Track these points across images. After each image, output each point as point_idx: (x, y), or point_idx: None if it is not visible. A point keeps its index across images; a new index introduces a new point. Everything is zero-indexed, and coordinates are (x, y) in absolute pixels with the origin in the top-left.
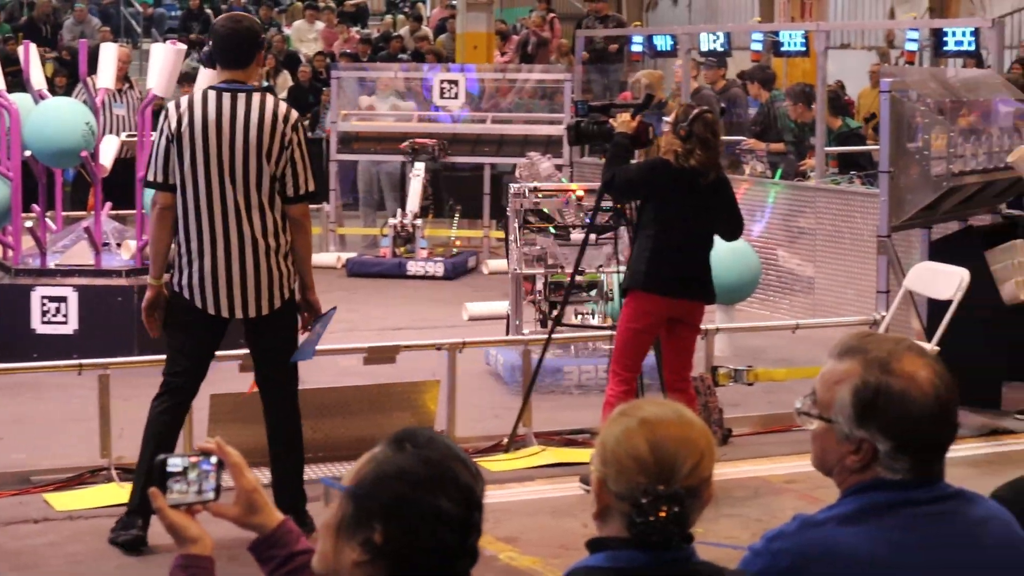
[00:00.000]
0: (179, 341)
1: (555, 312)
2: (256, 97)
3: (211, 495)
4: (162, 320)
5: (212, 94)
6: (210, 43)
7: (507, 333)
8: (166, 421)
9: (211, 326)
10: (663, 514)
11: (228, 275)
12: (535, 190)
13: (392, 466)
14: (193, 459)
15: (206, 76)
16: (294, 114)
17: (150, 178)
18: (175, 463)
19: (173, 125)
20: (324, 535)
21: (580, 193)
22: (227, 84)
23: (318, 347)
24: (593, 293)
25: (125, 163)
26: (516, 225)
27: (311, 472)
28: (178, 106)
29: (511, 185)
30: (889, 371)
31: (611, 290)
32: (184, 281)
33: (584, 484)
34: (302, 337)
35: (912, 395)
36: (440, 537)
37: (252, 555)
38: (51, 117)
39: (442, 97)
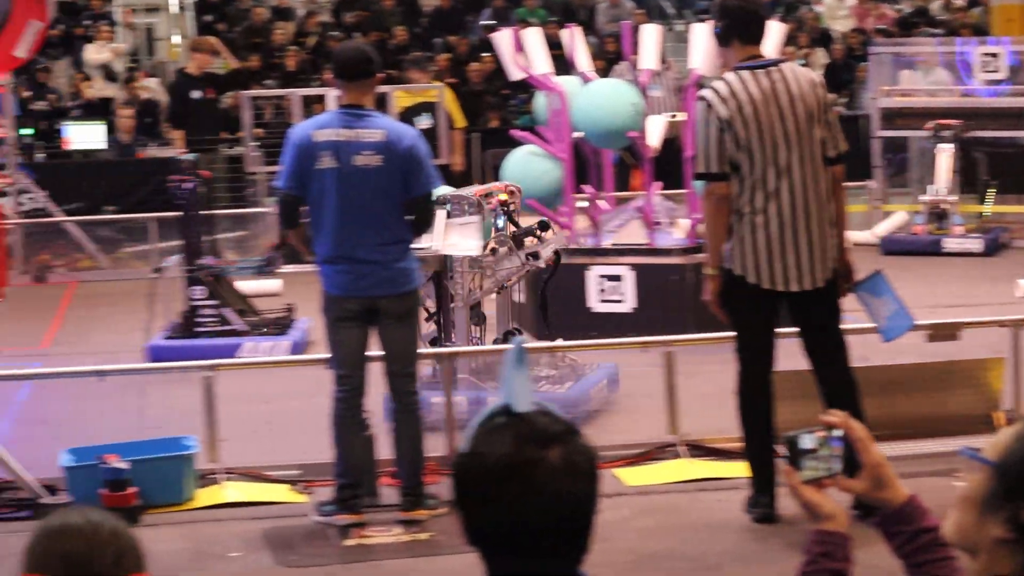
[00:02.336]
0: (744, 321)
1: None
2: (786, 67)
3: (839, 469)
4: (724, 298)
5: (747, 74)
6: (722, 20)
7: None
8: (753, 396)
9: (770, 302)
10: None
11: (783, 248)
12: None
13: None
14: (821, 435)
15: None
16: (819, 75)
17: (702, 169)
18: (806, 440)
19: (723, 112)
20: (963, 506)
21: None
22: (754, 62)
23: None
24: None
25: (668, 143)
26: None
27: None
28: (718, 92)
29: None
30: None
31: None
32: (738, 259)
33: None
34: (883, 310)
35: None
36: None
37: (878, 530)
38: (599, 99)
39: (984, 71)
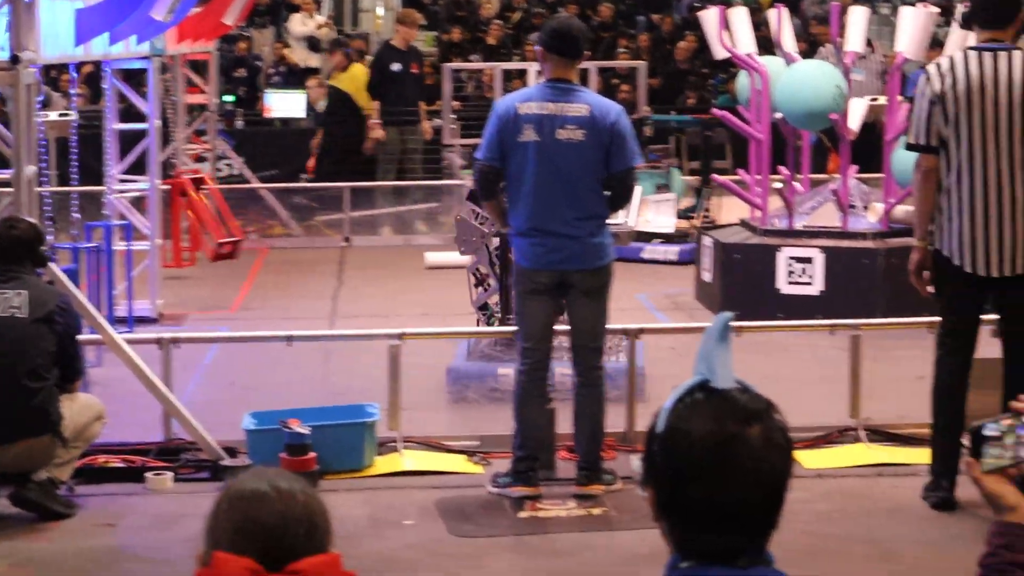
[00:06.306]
0: (950, 305)
1: None
2: (1017, 55)
3: None
4: (930, 280)
5: (972, 54)
6: (967, 5)
7: None
8: (950, 382)
9: (972, 285)
10: None
11: (986, 233)
12: None
13: None
14: (1008, 422)
15: (960, 37)
16: None
17: (912, 140)
18: (991, 428)
19: (936, 87)
20: None
21: None
22: (987, 44)
23: None
24: None
25: (867, 127)
26: None
27: None
28: (939, 67)
29: None
30: None
31: None
32: (944, 240)
33: None
34: None
35: None
36: None
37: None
38: (802, 80)
39: None
